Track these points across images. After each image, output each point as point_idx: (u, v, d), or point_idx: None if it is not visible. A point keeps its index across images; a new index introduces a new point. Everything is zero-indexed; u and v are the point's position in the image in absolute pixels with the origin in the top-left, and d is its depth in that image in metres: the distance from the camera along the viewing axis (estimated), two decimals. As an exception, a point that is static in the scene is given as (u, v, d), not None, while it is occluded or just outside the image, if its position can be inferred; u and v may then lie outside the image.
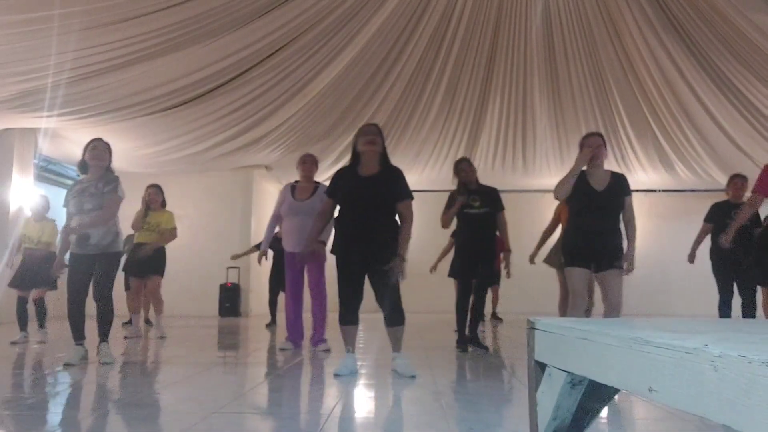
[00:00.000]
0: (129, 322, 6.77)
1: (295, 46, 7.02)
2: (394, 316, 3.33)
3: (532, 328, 1.31)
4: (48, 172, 9.48)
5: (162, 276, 5.99)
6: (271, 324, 7.27)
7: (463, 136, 9.84)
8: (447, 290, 7.85)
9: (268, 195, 11.89)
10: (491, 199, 4.63)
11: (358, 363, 3.89)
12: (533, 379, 1.31)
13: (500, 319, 8.56)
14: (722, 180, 10.30)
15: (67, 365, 3.63)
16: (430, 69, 8.37)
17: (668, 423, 2.33)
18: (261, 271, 10.81)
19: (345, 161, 10.73)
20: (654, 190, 11.39)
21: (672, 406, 0.81)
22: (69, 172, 10.29)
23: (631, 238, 3.55)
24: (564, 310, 5.23)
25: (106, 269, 3.82)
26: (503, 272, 5.01)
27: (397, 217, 3.41)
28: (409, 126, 9.25)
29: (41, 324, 5.37)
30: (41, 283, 5.28)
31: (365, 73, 8.11)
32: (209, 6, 5.77)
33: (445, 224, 4.72)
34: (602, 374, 1.01)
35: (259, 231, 10.91)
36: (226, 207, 10.55)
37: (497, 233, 4.68)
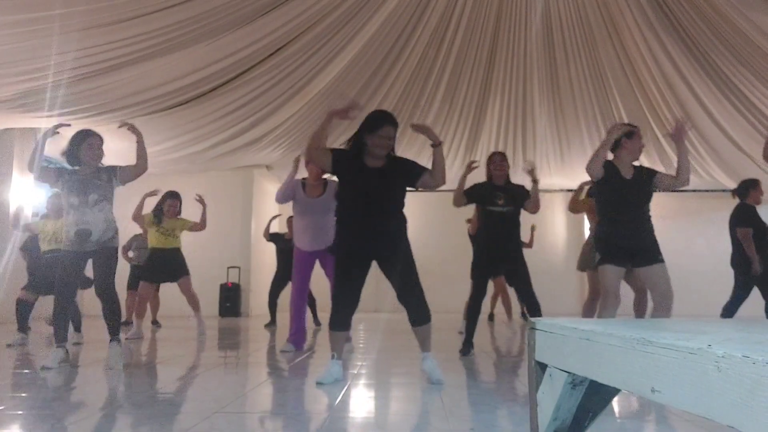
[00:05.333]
0: (125, 323, 6.76)
1: (295, 46, 7.02)
2: (420, 315, 3.16)
3: (532, 328, 1.31)
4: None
5: (189, 274, 6.05)
6: (271, 324, 7.25)
7: (463, 136, 9.84)
8: (449, 290, 7.87)
9: (269, 195, 11.89)
10: (518, 197, 4.45)
11: (359, 363, 3.89)
12: (534, 379, 1.31)
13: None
14: (723, 180, 10.34)
15: (45, 369, 3.52)
16: (430, 69, 8.36)
17: (670, 424, 2.32)
18: (261, 271, 10.85)
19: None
20: (654, 190, 11.39)
21: (675, 407, 0.81)
22: (69, 172, 10.28)
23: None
24: (590, 311, 5.09)
25: (107, 263, 3.71)
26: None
27: (403, 213, 3.25)
28: (409, 125, 9.24)
29: (77, 328, 5.25)
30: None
31: (365, 72, 8.11)
32: (209, 6, 5.76)
33: (456, 200, 4.42)
34: (604, 375, 1.00)
35: (259, 231, 10.92)
36: (226, 207, 10.56)
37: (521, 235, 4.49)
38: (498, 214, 4.40)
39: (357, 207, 3.13)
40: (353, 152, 3.16)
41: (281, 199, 4.65)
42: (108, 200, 3.78)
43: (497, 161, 4.53)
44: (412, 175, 3.23)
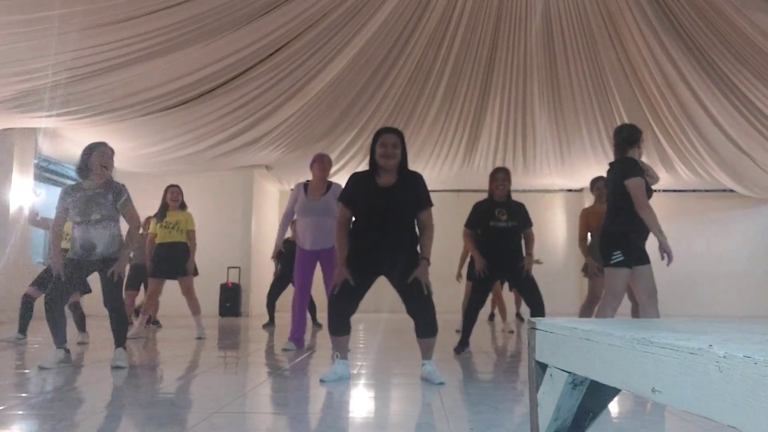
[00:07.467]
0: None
1: (295, 46, 7.02)
2: (428, 329, 3.23)
3: (533, 328, 1.31)
4: (48, 172, 9.48)
5: (191, 275, 5.93)
6: (269, 324, 7.24)
7: (463, 136, 9.83)
8: (448, 290, 7.85)
9: (268, 195, 11.89)
10: (519, 213, 4.49)
11: (359, 363, 3.89)
12: (534, 379, 1.31)
13: (523, 319, 8.54)
14: (723, 180, 10.35)
15: (42, 369, 3.52)
16: (429, 69, 8.36)
17: (670, 424, 2.32)
18: (261, 271, 10.85)
19: (345, 160, 10.73)
20: (655, 190, 11.39)
21: (676, 407, 0.81)
22: (69, 172, 10.29)
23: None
24: (588, 313, 5.09)
25: (114, 276, 3.72)
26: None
27: (416, 227, 3.28)
28: (409, 125, 9.25)
29: (82, 328, 5.21)
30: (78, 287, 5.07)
31: (365, 72, 8.11)
32: (209, 6, 5.77)
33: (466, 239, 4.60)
34: (605, 375, 1.00)
35: (259, 231, 10.93)
36: (226, 207, 10.55)
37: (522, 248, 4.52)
38: (500, 229, 4.43)
39: (368, 224, 3.21)
40: (367, 173, 3.29)
41: (289, 213, 4.80)
42: (112, 219, 3.75)
43: (499, 179, 4.55)
44: (416, 202, 3.25)
